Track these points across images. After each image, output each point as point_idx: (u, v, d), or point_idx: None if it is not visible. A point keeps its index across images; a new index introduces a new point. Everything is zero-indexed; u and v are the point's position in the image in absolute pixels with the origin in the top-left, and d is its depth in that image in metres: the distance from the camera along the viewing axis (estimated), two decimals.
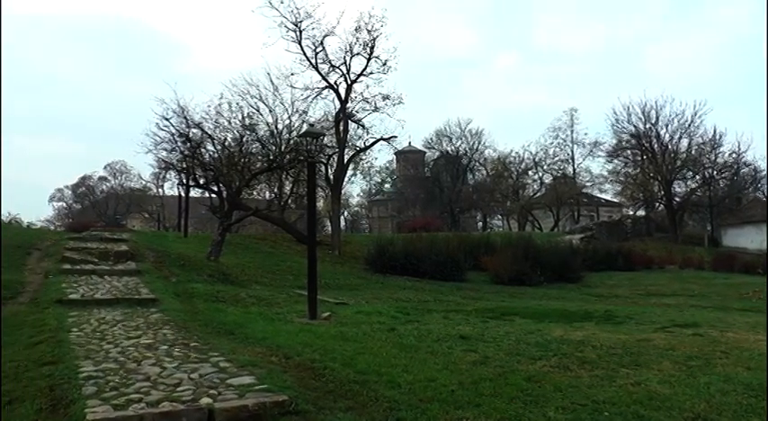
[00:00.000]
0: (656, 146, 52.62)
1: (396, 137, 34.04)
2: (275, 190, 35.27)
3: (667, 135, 52.27)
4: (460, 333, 10.28)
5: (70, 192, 74.62)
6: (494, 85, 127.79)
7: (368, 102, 32.77)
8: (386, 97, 32.68)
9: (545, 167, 68.46)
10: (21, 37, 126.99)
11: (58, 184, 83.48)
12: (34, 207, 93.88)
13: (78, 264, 17.81)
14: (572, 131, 67.34)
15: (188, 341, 8.88)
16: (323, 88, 32.33)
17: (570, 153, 67.77)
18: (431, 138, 72.41)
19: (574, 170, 67.85)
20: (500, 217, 74.17)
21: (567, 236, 39.42)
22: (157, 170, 45.52)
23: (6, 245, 19.02)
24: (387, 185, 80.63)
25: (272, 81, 30.55)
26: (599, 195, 68.59)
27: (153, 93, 45.65)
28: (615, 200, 66.45)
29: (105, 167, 72.40)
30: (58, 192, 74.62)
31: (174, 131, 22.82)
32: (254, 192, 31.53)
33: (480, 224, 73.75)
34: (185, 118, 22.70)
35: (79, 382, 6.43)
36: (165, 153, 24.58)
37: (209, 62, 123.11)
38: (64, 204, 75.19)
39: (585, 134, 67.05)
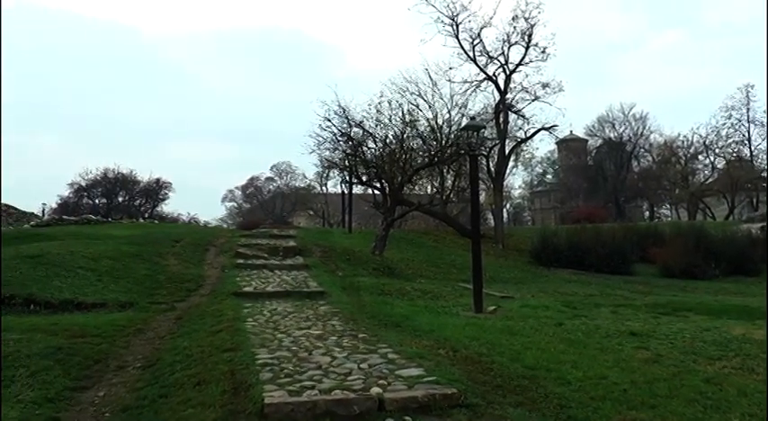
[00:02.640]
0: None
1: (557, 125, 33.24)
2: (436, 184, 35.44)
3: None
4: (630, 329, 9.83)
5: (240, 193, 78.92)
6: (657, 65, 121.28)
7: (527, 91, 32.20)
8: (545, 85, 31.96)
9: (717, 150, 62.42)
10: (200, 56, 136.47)
11: (230, 186, 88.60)
12: (209, 207, 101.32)
13: (250, 259, 18.71)
14: (748, 110, 60.36)
15: (356, 332, 9.13)
16: (482, 80, 32.13)
17: (746, 133, 61.27)
18: (593, 126, 69.67)
19: (751, 152, 61.40)
20: (668, 205, 69.99)
21: (744, 224, 36.37)
22: (321, 169, 47.16)
23: (188, 242, 20.45)
24: (548, 176, 78.90)
25: (430, 77, 30.53)
26: None
27: (314, 96, 47.33)
28: None
29: (272, 168, 75.89)
30: (229, 193, 79.26)
31: (336, 131, 23.53)
32: (416, 187, 31.77)
33: (647, 213, 70.06)
34: (347, 118, 23.29)
35: (256, 368, 6.80)
36: (327, 152, 25.43)
37: (365, 64, 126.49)
38: (235, 204, 79.62)
39: (765, 111, 61.27)
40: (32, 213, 36.94)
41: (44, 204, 53.07)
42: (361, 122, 23.55)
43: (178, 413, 5.95)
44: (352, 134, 23.48)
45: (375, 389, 5.89)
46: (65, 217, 30.96)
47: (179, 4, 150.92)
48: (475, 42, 31.54)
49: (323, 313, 11.16)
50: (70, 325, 10.04)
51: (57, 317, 11.02)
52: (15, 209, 34.75)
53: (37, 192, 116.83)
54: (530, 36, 31.36)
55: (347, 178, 28.43)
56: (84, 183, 58.90)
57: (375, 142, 23.83)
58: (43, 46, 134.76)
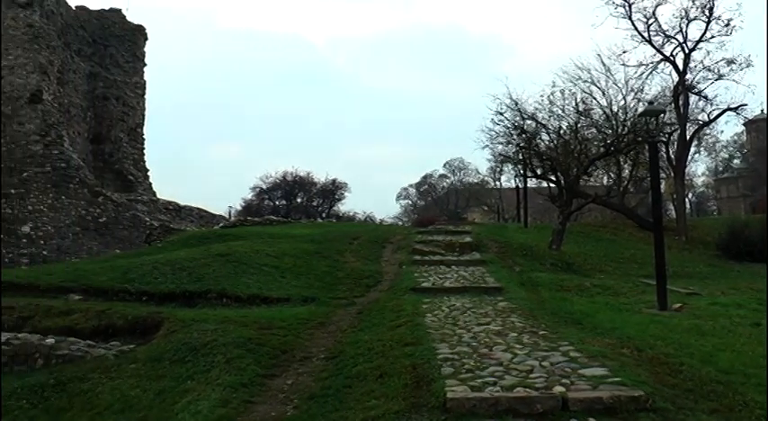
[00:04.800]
0: None
1: (745, 105, 30.38)
2: (613, 174, 34.13)
3: None
4: None
5: (414, 191, 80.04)
6: None
7: (710, 70, 29.72)
8: (731, 62, 29.26)
9: None
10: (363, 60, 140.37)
11: (404, 184, 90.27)
12: (384, 206, 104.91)
13: (427, 256, 18.93)
14: None
15: (536, 329, 9.05)
16: (658, 62, 30.22)
17: None
18: None
19: None
20: None
21: None
22: (494, 164, 46.86)
23: (365, 240, 21.05)
24: (736, 161, 73.33)
25: (603, 62, 29.37)
26: None
27: (485, 91, 47.05)
28: None
29: (444, 165, 76.29)
30: (404, 191, 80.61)
31: (508, 125, 23.32)
32: (592, 179, 30.72)
33: None
34: (519, 110, 23.00)
35: (437, 363, 6.97)
36: (501, 146, 25.28)
37: (535, 54, 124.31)
38: (409, 202, 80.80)
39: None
40: (221, 215, 39.64)
41: (230, 207, 56.91)
42: (533, 114, 23.20)
43: (362, 403, 6.21)
44: (525, 127, 23.18)
45: (558, 388, 5.84)
46: (249, 218, 32.81)
47: (349, 12, 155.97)
48: (649, 22, 29.73)
49: (501, 309, 11.12)
50: (258, 318, 10.81)
51: (246, 311, 11.89)
52: (206, 212, 37.49)
53: (224, 196, 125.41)
54: (711, 9, 29.00)
55: (521, 172, 28.10)
56: (264, 186, 62.08)
57: (548, 134, 23.40)
58: (228, 60, 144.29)
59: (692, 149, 35.79)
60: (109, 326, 11.21)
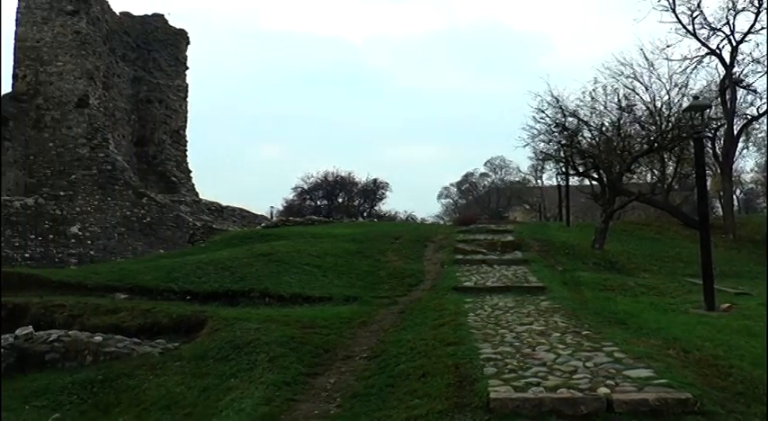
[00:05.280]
0: None
1: None
2: (657, 172, 33.55)
3: None
4: None
5: (455, 189, 79.70)
6: None
7: (759, 62, 28.81)
8: None
9: None
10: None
11: (445, 183, 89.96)
12: (425, 205, 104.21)
13: (469, 255, 18.79)
14: None
15: (579, 329, 8.94)
16: (704, 56, 29.52)
17: None
18: None
19: None
20: None
21: None
22: (535, 162, 46.43)
23: (407, 239, 21.03)
24: None
25: (646, 57, 28.83)
26: None
27: (525, 88, 46.69)
28: None
29: (485, 164, 75.71)
30: (444, 190, 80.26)
31: (550, 122, 23.05)
32: (635, 176, 30.21)
33: None
34: (560, 108, 22.73)
35: (480, 363, 6.92)
36: (542, 144, 24.97)
37: (575, 50, 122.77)
38: (450, 201, 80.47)
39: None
40: (263, 216, 40.10)
41: (272, 207, 57.44)
42: (575, 111, 22.89)
43: (405, 402, 6.22)
44: (566, 124, 22.90)
45: (602, 390, 5.75)
46: (290, 218, 33.08)
47: (387, 12, 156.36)
48: (694, 14, 28.94)
49: (544, 309, 11.00)
50: (300, 316, 10.90)
51: (288, 310, 11.99)
52: (248, 212, 38.00)
53: (266, 197, 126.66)
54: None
55: (563, 170, 27.80)
56: (306, 187, 62.40)
57: (590, 131, 23.06)
58: (268, 63, 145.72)
59: (740, 145, 34.94)
60: (154, 325, 11.43)
